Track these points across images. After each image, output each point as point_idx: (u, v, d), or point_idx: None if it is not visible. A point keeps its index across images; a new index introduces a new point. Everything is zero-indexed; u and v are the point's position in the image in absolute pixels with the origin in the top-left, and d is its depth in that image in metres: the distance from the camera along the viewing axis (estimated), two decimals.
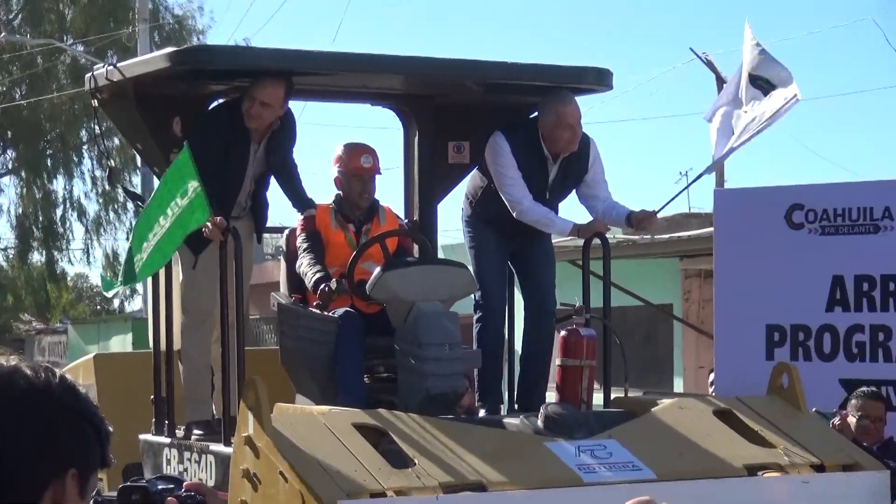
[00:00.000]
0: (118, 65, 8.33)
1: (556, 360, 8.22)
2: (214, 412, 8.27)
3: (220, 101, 8.47)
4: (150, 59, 8.05)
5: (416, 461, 6.71)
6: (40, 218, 41.94)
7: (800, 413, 7.68)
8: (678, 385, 20.76)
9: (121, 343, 33.12)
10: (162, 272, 8.44)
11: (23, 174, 41.64)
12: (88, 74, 8.51)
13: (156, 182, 8.77)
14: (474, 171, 8.79)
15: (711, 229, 12.01)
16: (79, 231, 42.95)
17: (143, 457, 8.50)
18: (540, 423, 7.34)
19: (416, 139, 9.15)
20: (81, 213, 42.45)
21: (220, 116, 8.16)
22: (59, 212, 42.49)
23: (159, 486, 2.71)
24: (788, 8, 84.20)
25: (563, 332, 8.28)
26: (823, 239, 10.74)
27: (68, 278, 44.05)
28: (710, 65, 31.43)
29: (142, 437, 8.49)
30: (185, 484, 2.84)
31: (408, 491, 6.50)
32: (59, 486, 2.15)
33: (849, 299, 10.64)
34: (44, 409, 2.22)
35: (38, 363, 2.37)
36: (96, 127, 39.95)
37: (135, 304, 38.75)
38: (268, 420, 6.73)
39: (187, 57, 7.96)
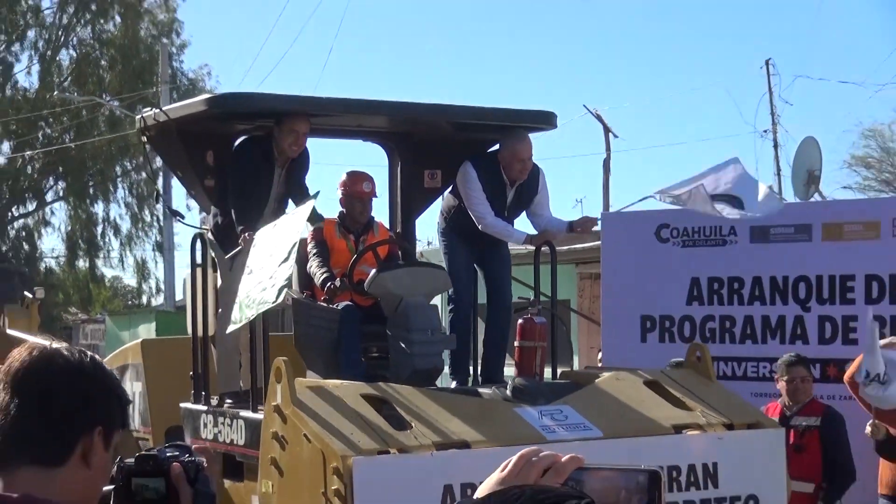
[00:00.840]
0: (164, 108, 7.81)
1: (515, 342, 7.84)
2: (242, 385, 7.84)
3: (246, 136, 8.02)
4: (191, 103, 7.63)
5: (413, 424, 6.31)
6: (84, 234, 42.05)
7: (711, 383, 7.40)
8: (576, 362, 20.66)
9: (146, 331, 32.49)
10: (199, 275, 8.00)
11: (71, 200, 41.71)
12: (138, 116, 8.12)
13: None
14: (447, 193, 8.43)
15: (600, 242, 12.01)
16: (115, 244, 42.92)
17: (183, 421, 8.04)
18: (508, 392, 7.00)
19: (399, 168, 8.79)
20: (116, 230, 42.72)
21: (249, 149, 7.72)
22: (99, 229, 42.61)
23: (167, 454, 2.60)
24: (661, 72, 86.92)
25: (520, 320, 7.93)
26: (684, 250, 10.92)
27: (106, 280, 43.86)
28: (598, 118, 31.50)
29: (182, 405, 8.03)
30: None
31: (408, 449, 6.11)
32: (88, 439, 2.26)
33: (703, 296, 10.81)
34: (78, 381, 2.31)
35: (75, 346, 2.49)
36: (128, 163, 40.93)
37: (159, 300, 38.29)
38: (293, 393, 6.29)
39: (221, 101, 7.56)
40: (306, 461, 6.13)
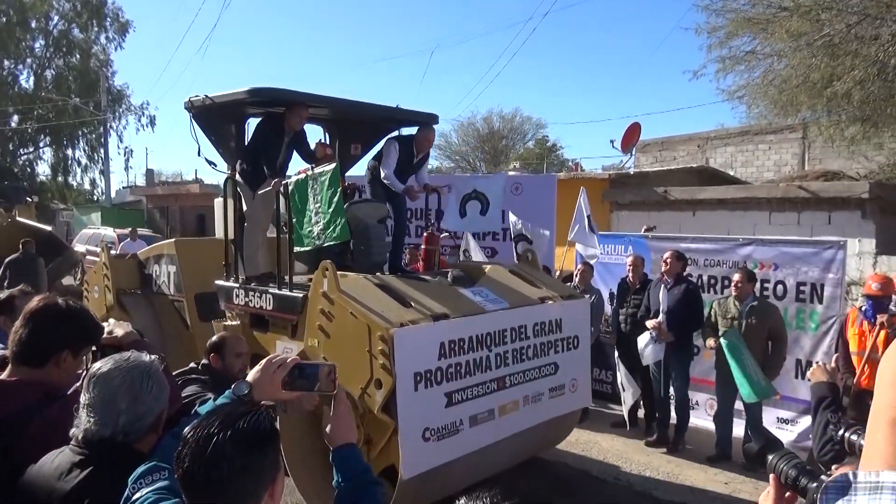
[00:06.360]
0: (209, 95, 5.18)
1: (422, 246, 5.89)
2: (261, 270, 5.46)
3: (264, 115, 5.55)
4: (235, 92, 5.13)
5: (411, 303, 4.29)
6: (61, 164, 33.80)
7: (539, 271, 5.73)
8: None
9: (96, 217, 26.74)
10: (230, 203, 5.51)
11: (53, 147, 33.55)
12: (186, 99, 5.39)
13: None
14: (371, 158, 6.09)
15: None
16: (78, 170, 34.76)
17: (219, 295, 5.53)
18: (450, 279, 5.02)
19: (337, 141, 6.48)
20: (79, 163, 34.44)
21: (270, 123, 5.32)
22: (70, 162, 34.34)
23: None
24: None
25: (425, 233, 5.94)
26: None
27: (73, 187, 35.65)
28: None
29: (217, 282, 5.56)
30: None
31: (417, 321, 4.13)
32: (58, 356, 1.92)
33: None
34: (59, 321, 1.93)
35: (70, 299, 2.05)
36: (85, 128, 33.50)
37: (102, 199, 31.68)
38: (338, 284, 4.16)
39: (257, 92, 5.04)
40: (351, 330, 4.04)
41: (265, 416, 1.30)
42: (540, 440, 5.14)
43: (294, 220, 4.71)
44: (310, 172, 4.71)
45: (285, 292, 4.84)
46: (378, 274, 4.88)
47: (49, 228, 14.59)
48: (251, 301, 5.14)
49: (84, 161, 33.66)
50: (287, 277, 4.91)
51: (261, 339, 5.09)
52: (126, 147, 39.32)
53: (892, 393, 0.70)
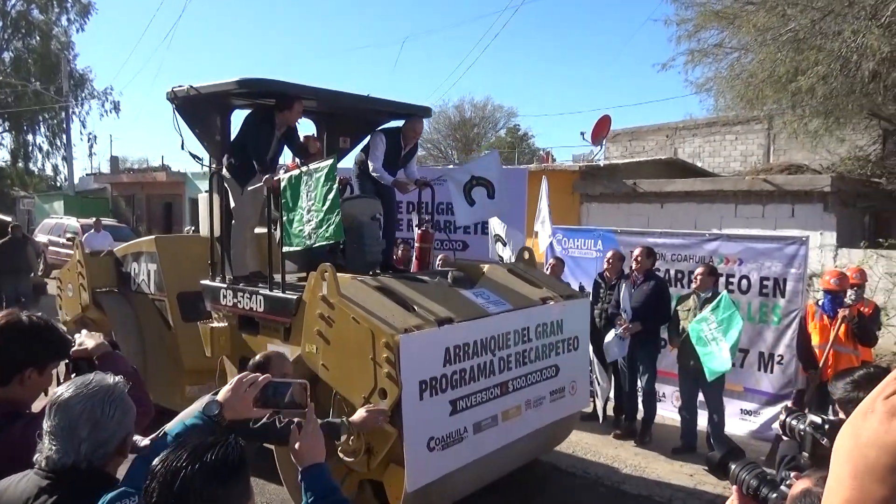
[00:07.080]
0: (194, 84, 4.78)
1: (416, 244, 5.59)
2: (249, 269, 5.15)
3: (253, 107, 5.17)
4: (222, 82, 4.73)
5: (414, 307, 4.01)
6: (21, 150, 31.90)
7: (536, 269, 5.51)
8: None
9: (59, 206, 25.55)
10: (215, 198, 5.13)
11: (13, 132, 31.61)
12: (170, 88, 4.91)
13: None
14: (358, 150, 5.73)
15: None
16: (39, 155, 32.92)
17: (204, 295, 5.16)
18: (450, 280, 4.72)
19: (325, 134, 6.11)
20: (40, 149, 32.71)
21: (260, 116, 4.91)
22: (30, 148, 32.51)
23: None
24: None
25: (419, 230, 5.64)
26: None
27: (35, 173, 33.86)
28: None
29: (203, 282, 5.19)
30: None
31: (422, 326, 3.85)
32: (23, 374, 1.79)
33: None
34: (24, 339, 1.80)
35: (35, 314, 1.91)
36: (45, 114, 31.76)
37: (65, 186, 30.10)
38: (338, 287, 3.89)
39: (248, 83, 4.65)
40: (353, 336, 3.75)
41: (234, 446, 1.28)
42: (540, 444, 4.93)
43: (284, 217, 4.36)
44: (303, 168, 4.35)
45: (278, 294, 4.51)
46: (373, 274, 4.57)
47: (9, 219, 13.85)
48: (240, 302, 4.79)
49: (45, 147, 32.11)
50: (279, 278, 4.58)
51: (251, 342, 4.75)
52: (89, 133, 37.42)
53: (846, 469, 0.66)
